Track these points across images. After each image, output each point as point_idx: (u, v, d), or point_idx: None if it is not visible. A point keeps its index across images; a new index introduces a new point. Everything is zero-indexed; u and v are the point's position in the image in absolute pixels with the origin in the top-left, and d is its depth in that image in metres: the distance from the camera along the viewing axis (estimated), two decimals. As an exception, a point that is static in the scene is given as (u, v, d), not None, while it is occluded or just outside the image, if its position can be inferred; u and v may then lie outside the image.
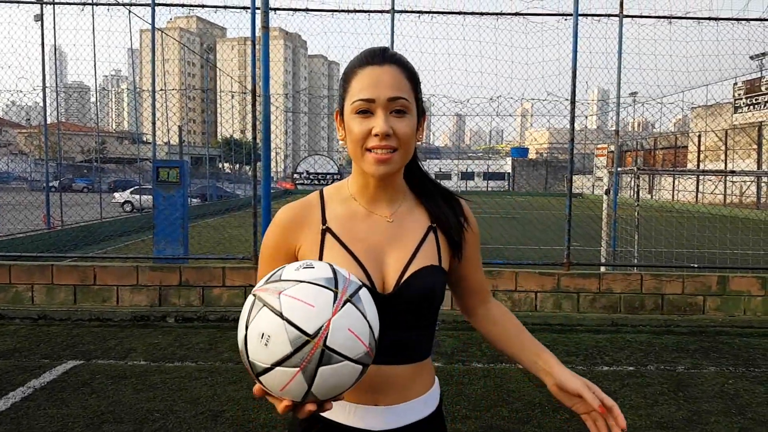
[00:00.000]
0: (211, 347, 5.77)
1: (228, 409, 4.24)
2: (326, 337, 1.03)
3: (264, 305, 1.06)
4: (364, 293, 1.13)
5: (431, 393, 1.42)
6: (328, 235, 1.35)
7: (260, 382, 1.08)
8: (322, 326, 1.03)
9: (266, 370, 1.05)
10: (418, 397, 1.38)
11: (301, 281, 1.07)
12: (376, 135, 1.26)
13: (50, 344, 5.82)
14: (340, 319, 1.05)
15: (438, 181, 1.50)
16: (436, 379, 1.48)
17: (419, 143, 1.40)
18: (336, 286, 1.08)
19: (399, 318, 1.32)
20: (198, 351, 5.65)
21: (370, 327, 1.10)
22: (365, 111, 1.28)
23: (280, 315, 1.03)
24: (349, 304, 1.07)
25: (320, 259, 1.32)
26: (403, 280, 1.32)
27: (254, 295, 1.10)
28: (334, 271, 1.11)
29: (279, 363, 1.03)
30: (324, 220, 1.37)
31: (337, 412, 1.32)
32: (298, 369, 1.03)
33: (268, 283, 1.10)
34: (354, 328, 1.06)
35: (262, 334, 1.04)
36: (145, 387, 4.64)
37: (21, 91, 12.28)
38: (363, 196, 1.40)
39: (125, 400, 4.38)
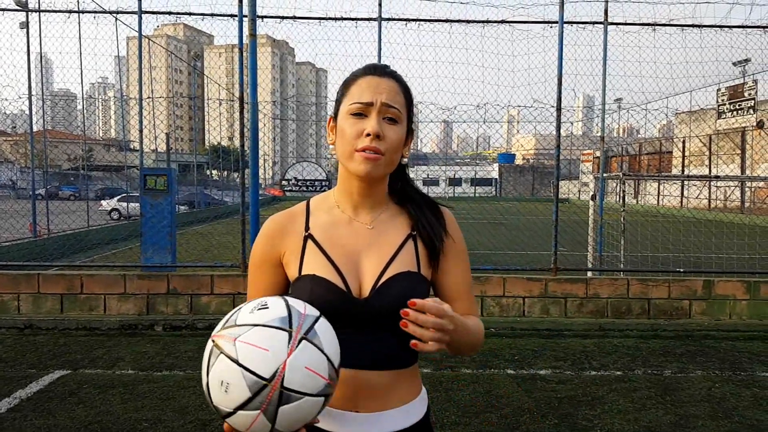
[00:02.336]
0: (200, 356, 5.69)
1: (216, 418, 4.22)
2: (283, 379, 1.06)
3: (221, 353, 1.09)
4: (321, 325, 1.15)
5: (415, 403, 1.40)
6: (310, 242, 1.39)
7: (228, 423, 1.12)
8: (278, 369, 1.06)
9: (230, 414, 1.09)
10: (400, 407, 1.36)
11: (256, 325, 1.10)
12: (367, 135, 1.31)
13: (37, 354, 5.77)
14: (296, 359, 1.07)
15: (425, 189, 1.53)
16: (424, 389, 1.46)
17: (404, 160, 1.44)
18: (290, 326, 1.10)
19: (377, 323, 1.33)
20: (186, 360, 5.63)
21: (328, 359, 1.12)
22: (360, 114, 1.33)
23: (237, 362, 1.07)
24: (304, 341, 1.09)
25: (301, 264, 1.37)
26: (378, 285, 1.34)
27: (212, 341, 1.13)
28: (289, 309, 1.13)
29: (240, 407, 1.07)
30: (307, 227, 1.41)
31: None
32: (259, 411, 1.07)
33: (224, 329, 1.13)
34: (311, 365, 1.09)
35: (222, 381, 1.08)
36: (133, 396, 4.62)
37: (6, 99, 12.23)
38: (347, 203, 1.43)
39: (113, 410, 4.35)
